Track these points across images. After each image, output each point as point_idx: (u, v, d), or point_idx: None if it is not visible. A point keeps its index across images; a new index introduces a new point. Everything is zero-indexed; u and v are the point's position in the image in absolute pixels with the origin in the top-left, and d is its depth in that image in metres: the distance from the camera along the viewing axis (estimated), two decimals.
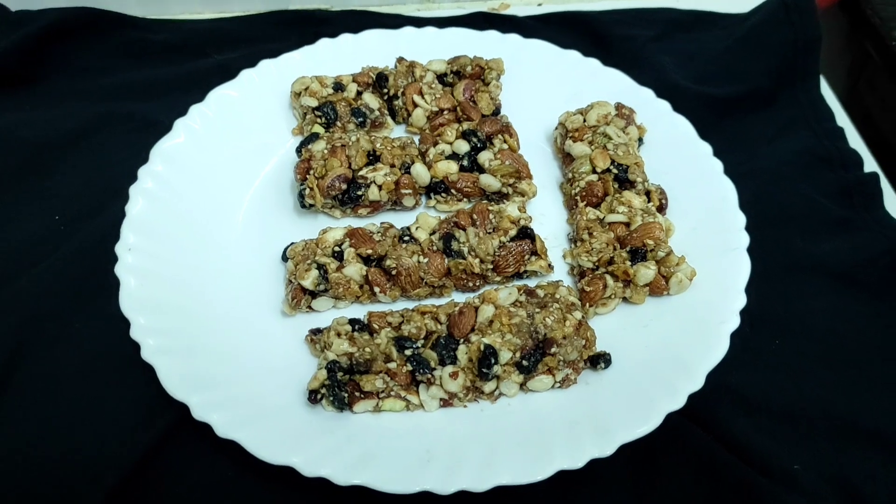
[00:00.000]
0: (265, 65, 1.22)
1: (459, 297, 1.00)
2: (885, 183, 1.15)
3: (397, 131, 1.20)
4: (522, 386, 0.90)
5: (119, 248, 0.98)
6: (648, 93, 1.19)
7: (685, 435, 0.89)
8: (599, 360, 0.92)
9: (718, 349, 0.90)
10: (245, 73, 1.20)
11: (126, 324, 0.91)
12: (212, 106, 1.16)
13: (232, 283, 1.00)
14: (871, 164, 1.19)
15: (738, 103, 1.25)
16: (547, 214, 1.10)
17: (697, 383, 0.87)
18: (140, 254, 0.98)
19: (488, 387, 0.89)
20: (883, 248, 1.06)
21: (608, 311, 0.99)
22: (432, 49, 1.25)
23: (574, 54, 1.24)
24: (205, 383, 0.87)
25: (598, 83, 1.21)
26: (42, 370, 0.94)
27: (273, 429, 0.84)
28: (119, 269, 0.96)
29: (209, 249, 1.03)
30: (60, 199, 1.13)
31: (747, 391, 0.93)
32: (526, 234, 0.99)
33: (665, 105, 1.17)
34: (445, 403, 0.90)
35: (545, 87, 1.23)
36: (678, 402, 0.86)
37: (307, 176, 1.06)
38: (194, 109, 1.14)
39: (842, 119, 1.26)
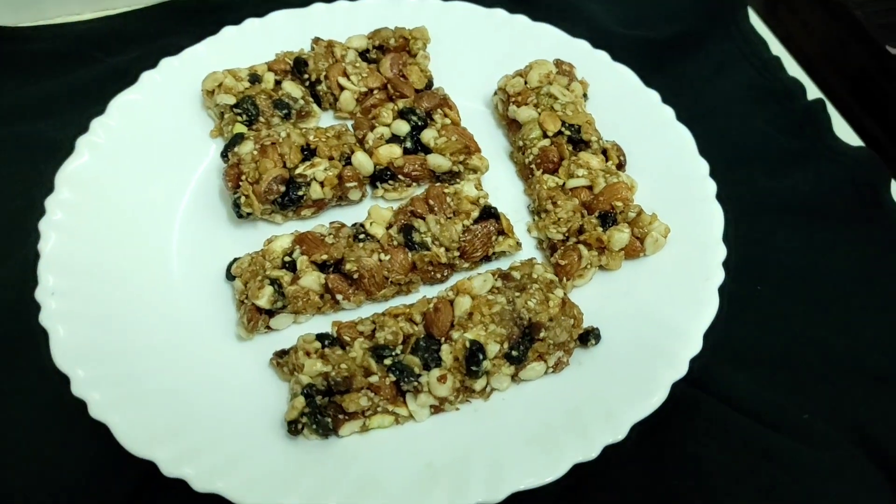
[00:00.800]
0: (167, 63, 1.09)
1: (429, 291, 0.93)
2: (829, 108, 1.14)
3: (326, 119, 1.11)
4: (514, 377, 0.84)
5: (40, 295, 0.85)
6: (584, 44, 1.13)
7: (688, 402, 0.85)
8: (589, 337, 0.87)
9: (709, 307, 0.86)
10: (146, 76, 1.07)
11: (63, 378, 0.80)
12: (115, 117, 1.03)
13: (175, 313, 0.90)
14: (812, 91, 1.17)
15: (673, 44, 1.21)
16: (501, 188, 1.03)
17: (696, 347, 0.83)
18: (65, 297, 0.86)
19: (479, 384, 0.83)
20: (843, 175, 1.05)
21: (585, 282, 0.93)
22: (348, 25, 1.15)
23: (500, 13, 1.17)
24: (169, 433, 0.77)
25: (530, 41, 1.14)
26: None
27: (256, 471, 0.76)
28: (44, 319, 0.84)
29: (142, 279, 0.92)
30: None
31: (740, 346, 0.90)
32: (489, 213, 0.93)
33: (604, 56, 1.11)
34: (436, 410, 0.83)
35: (475, 52, 1.16)
36: (680, 370, 0.81)
37: (239, 182, 0.95)
38: (96, 123, 1.01)
39: (775, 48, 1.23)
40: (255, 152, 0.96)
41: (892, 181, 1.04)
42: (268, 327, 0.89)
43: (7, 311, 0.90)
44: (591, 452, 0.76)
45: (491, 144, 1.07)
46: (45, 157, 1.01)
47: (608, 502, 0.79)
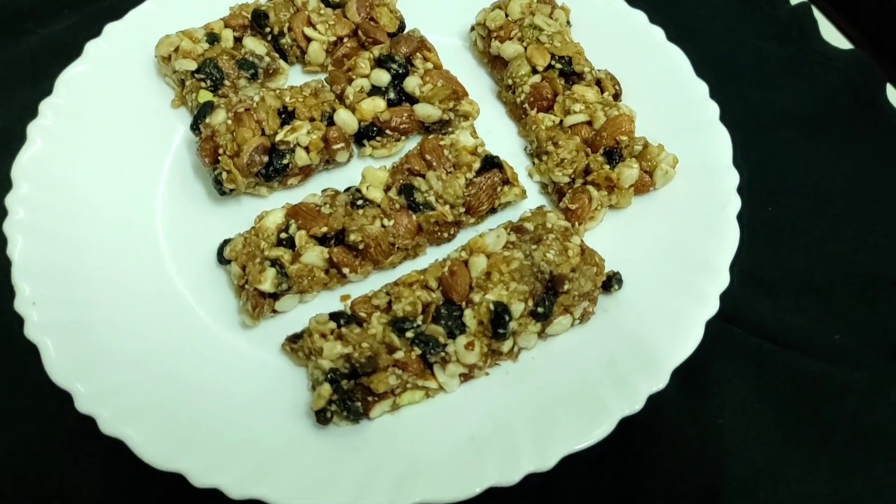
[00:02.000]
0: (112, 29, 0.99)
1: (436, 253, 0.88)
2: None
3: (295, 75, 1.02)
4: (540, 334, 0.81)
5: (19, 306, 0.78)
6: (641, 17, 1.04)
7: (720, 338, 0.83)
8: (612, 283, 0.84)
9: (731, 237, 0.84)
10: (91, 46, 0.97)
11: (62, 393, 0.74)
12: (63, 95, 0.94)
13: (170, 308, 0.84)
14: None
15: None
16: (493, 132, 0.97)
17: (723, 281, 0.81)
18: (47, 306, 0.79)
19: (506, 346, 0.79)
20: (838, 81, 1.02)
21: (597, 224, 0.90)
22: None
23: None
24: (193, 441, 0.72)
25: None
26: None
27: (293, 469, 0.72)
28: (30, 332, 0.77)
29: (128, 275, 0.85)
30: None
31: (760, 271, 0.89)
32: (492, 163, 0.87)
33: (659, 33, 1.02)
34: (466, 377, 0.79)
35: None
36: (712, 307, 0.79)
37: (217, 157, 0.88)
38: (45, 105, 0.92)
39: None
40: (230, 121, 0.89)
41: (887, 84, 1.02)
42: (273, 311, 0.83)
43: None
44: (635, 404, 0.74)
45: (474, 85, 1.00)
46: None
47: (659, 455, 0.78)
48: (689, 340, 0.77)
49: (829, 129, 0.99)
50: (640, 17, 1.01)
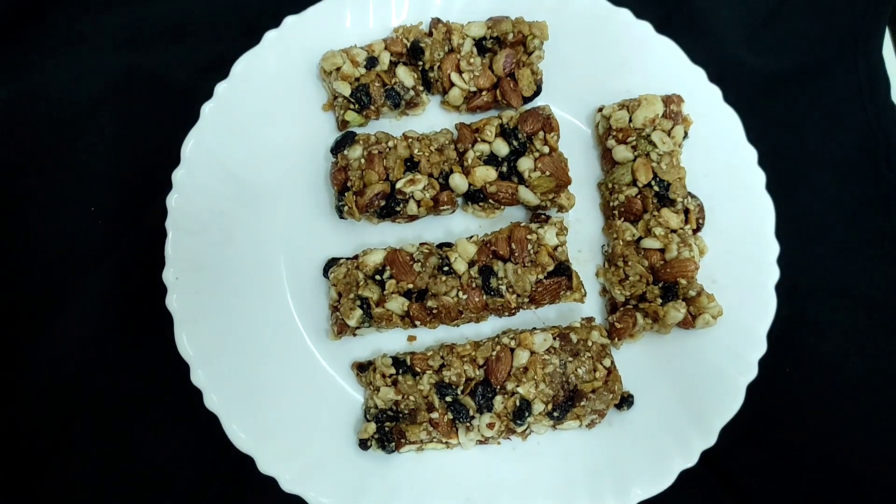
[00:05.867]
0: (290, 24, 1.11)
1: (497, 321, 1.06)
2: None
3: (433, 105, 1.14)
4: (552, 426, 1.00)
5: (167, 277, 1.00)
6: (700, 74, 1.11)
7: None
8: (623, 403, 1.01)
9: (734, 404, 0.99)
10: (269, 37, 1.10)
11: (180, 362, 0.98)
12: (237, 84, 1.08)
13: (275, 300, 1.05)
14: None
15: (791, 76, 1.18)
16: (583, 220, 1.11)
17: (710, 440, 0.97)
18: (185, 286, 1.01)
19: (520, 429, 0.99)
20: None
21: (634, 342, 1.05)
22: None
23: (625, 14, 1.13)
24: (267, 432, 0.97)
25: (648, 55, 1.13)
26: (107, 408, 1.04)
27: (330, 478, 0.96)
28: (170, 303, 0.99)
29: (250, 264, 1.05)
30: (91, 184, 1.11)
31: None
32: (563, 270, 1.02)
33: (715, 93, 1.10)
34: (481, 442, 1.00)
35: (589, 53, 1.14)
36: (691, 459, 0.96)
37: (345, 187, 1.04)
38: (220, 89, 1.07)
39: None
40: (363, 160, 1.04)
41: None
42: (353, 334, 1.04)
43: (137, 276, 1.06)
44: None
45: (583, 165, 1.12)
46: (170, 97, 1.13)
47: None
48: (664, 482, 0.96)
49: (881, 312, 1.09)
50: (751, 153, 1.08)
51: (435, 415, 0.97)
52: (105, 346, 1.06)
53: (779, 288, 1.03)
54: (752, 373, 1.00)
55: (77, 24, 1.18)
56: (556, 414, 0.97)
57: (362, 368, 1.01)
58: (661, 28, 1.13)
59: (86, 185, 1.11)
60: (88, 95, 1.14)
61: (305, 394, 1.01)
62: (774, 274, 1.03)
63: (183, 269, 1.01)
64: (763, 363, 1.00)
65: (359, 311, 1.00)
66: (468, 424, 0.98)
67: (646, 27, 1.13)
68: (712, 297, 1.02)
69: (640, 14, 1.13)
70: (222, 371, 0.98)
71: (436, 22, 1.12)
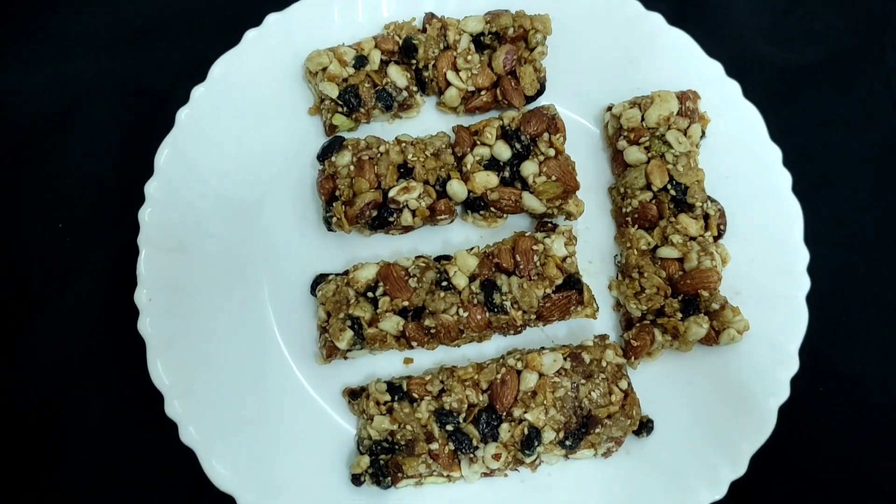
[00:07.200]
0: (272, 22, 1.03)
1: (502, 340, 0.97)
2: None
3: (428, 107, 1.06)
4: (565, 455, 0.91)
5: (138, 298, 0.92)
6: (717, 68, 1.03)
7: None
8: (642, 430, 0.92)
9: (765, 428, 0.89)
10: (250, 36, 1.02)
11: (155, 391, 0.89)
12: (215, 86, 1.00)
13: (260, 324, 0.96)
14: None
15: (815, 69, 1.10)
16: (593, 229, 1.02)
17: (740, 469, 0.88)
18: (159, 307, 0.92)
19: (529, 459, 0.89)
20: None
21: (652, 361, 0.96)
22: None
23: (634, 6, 1.05)
24: (251, 469, 0.88)
25: (661, 50, 1.04)
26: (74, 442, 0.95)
27: None
28: (142, 328, 0.91)
29: (230, 281, 0.97)
30: (59, 199, 1.03)
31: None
32: (573, 283, 0.93)
33: (734, 87, 1.02)
34: (486, 474, 0.91)
35: (596, 47, 1.06)
36: (719, 491, 0.87)
37: (333, 197, 0.95)
38: (197, 94, 0.99)
39: None
40: (352, 167, 0.95)
41: None
42: (344, 357, 0.94)
43: (108, 298, 0.97)
44: None
45: (592, 169, 1.04)
46: (140, 100, 1.06)
47: None
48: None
49: None
50: (776, 154, 1.00)
51: (435, 445, 0.88)
52: (74, 373, 0.98)
53: (809, 299, 0.94)
54: (784, 393, 0.90)
55: (44, 29, 1.10)
56: (568, 442, 0.88)
57: (354, 395, 0.92)
58: (673, 21, 1.05)
59: (53, 200, 1.03)
60: (56, 104, 1.07)
61: (292, 425, 0.92)
62: (805, 284, 0.95)
63: (157, 289, 0.92)
64: (794, 382, 0.91)
65: (350, 332, 0.91)
66: (471, 455, 0.88)
67: (657, 19, 1.05)
68: (737, 311, 0.93)
69: (649, 6, 1.05)
70: (200, 401, 0.89)
71: (430, 17, 1.03)
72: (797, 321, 0.93)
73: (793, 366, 0.91)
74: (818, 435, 0.97)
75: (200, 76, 1.00)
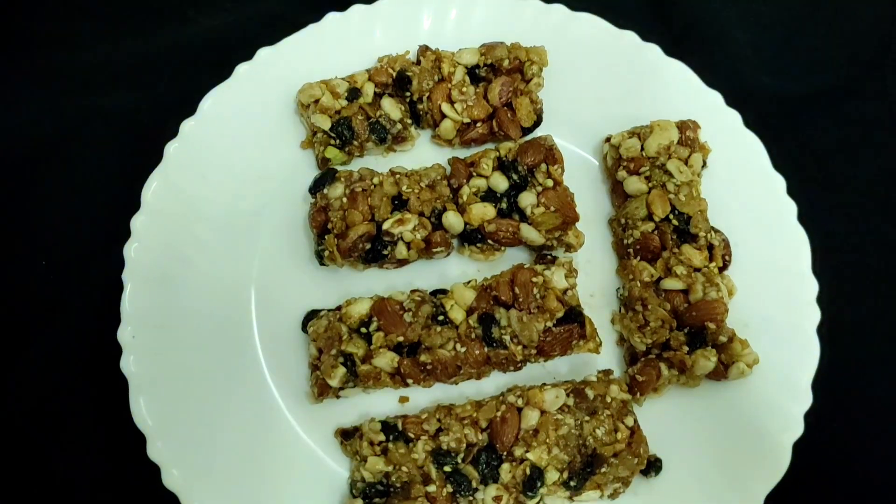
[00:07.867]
0: (264, 56, 1.01)
1: (501, 376, 0.93)
2: None
3: (423, 140, 1.04)
4: (569, 497, 0.86)
5: (122, 336, 0.88)
6: (717, 98, 1.01)
7: None
8: (650, 469, 0.87)
9: (779, 466, 0.85)
10: (242, 69, 1.00)
11: (138, 432, 0.85)
12: (205, 120, 0.98)
13: (246, 360, 0.92)
14: None
15: (817, 100, 1.09)
16: (594, 261, 0.99)
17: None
18: (144, 344, 0.88)
19: (532, 501, 0.85)
20: None
21: (658, 397, 0.91)
22: (460, 24, 1.05)
23: (631, 38, 1.04)
24: None
25: (660, 81, 1.03)
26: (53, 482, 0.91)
27: None
28: (125, 366, 0.87)
29: (220, 317, 0.93)
30: (43, 235, 1.00)
31: None
32: (574, 316, 0.89)
33: (735, 117, 1.00)
34: None
35: (593, 79, 1.05)
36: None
37: (325, 229, 0.92)
38: (186, 127, 0.97)
39: None
40: (345, 199, 0.93)
41: None
42: (337, 396, 0.90)
43: (89, 333, 0.94)
44: None
45: (591, 201, 1.01)
46: (129, 135, 1.04)
47: None
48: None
49: None
50: (780, 183, 0.97)
51: (432, 488, 0.83)
52: (54, 412, 0.94)
53: (819, 330, 0.91)
54: (798, 429, 0.86)
55: (33, 64, 1.08)
56: (572, 483, 0.83)
57: (347, 436, 0.88)
58: (670, 52, 1.04)
59: (36, 237, 1.00)
60: (41, 139, 1.05)
61: (281, 468, 0.87)
62: (815, 315, 0.91)
63: (141, 326, 0.89)
64: (808, 417, 0.87)
65: (342, 369, 0.87)
66: (471, 498, 0.84)
67: (654, 50, 1.04)
68: (746, 343, 0.89)
69: (646, 38, 1.04)
70: (184, 443, 0.85)
71: (424, 49, 1.02)
72: (809, 354, 0.90)
73: (806, 400, 0.88)
74: (834, 472, 0.92)
75: (191, 111, 0.98)
